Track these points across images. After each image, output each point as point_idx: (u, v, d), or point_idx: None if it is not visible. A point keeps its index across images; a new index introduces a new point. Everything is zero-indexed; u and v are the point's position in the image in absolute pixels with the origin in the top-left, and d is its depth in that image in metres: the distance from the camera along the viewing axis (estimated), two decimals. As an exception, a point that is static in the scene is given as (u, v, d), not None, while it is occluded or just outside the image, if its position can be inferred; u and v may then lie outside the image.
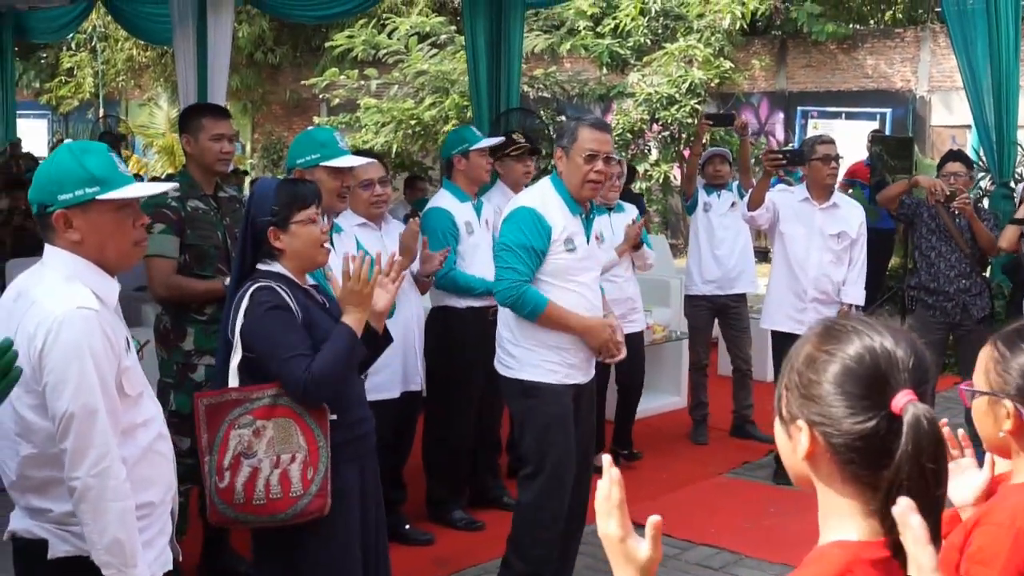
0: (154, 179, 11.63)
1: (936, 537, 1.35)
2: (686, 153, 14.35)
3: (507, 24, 7.66)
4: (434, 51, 15.63)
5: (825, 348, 1.44)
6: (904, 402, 1.35)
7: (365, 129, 15.69)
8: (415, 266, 4.75)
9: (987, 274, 6.29)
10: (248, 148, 21.32)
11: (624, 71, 16.05)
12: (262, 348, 3.01)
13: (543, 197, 4.01)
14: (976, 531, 1.85)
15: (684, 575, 4.71)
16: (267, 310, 2.99)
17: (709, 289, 6.56)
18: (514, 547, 4.13)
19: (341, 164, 3.98)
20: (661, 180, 15.04)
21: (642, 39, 15.82)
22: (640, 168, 14.45)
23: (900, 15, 17.22)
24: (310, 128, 4.91)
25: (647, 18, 15.78)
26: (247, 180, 13.76)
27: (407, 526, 4.94)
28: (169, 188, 2.92)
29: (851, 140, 11.98)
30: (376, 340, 3.24)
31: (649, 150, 15.34)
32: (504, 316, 4.11)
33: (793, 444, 1.46)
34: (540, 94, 15.86)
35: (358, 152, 4.80)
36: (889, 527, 1.35)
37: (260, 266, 3.12)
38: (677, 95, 14.71)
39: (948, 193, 5.72)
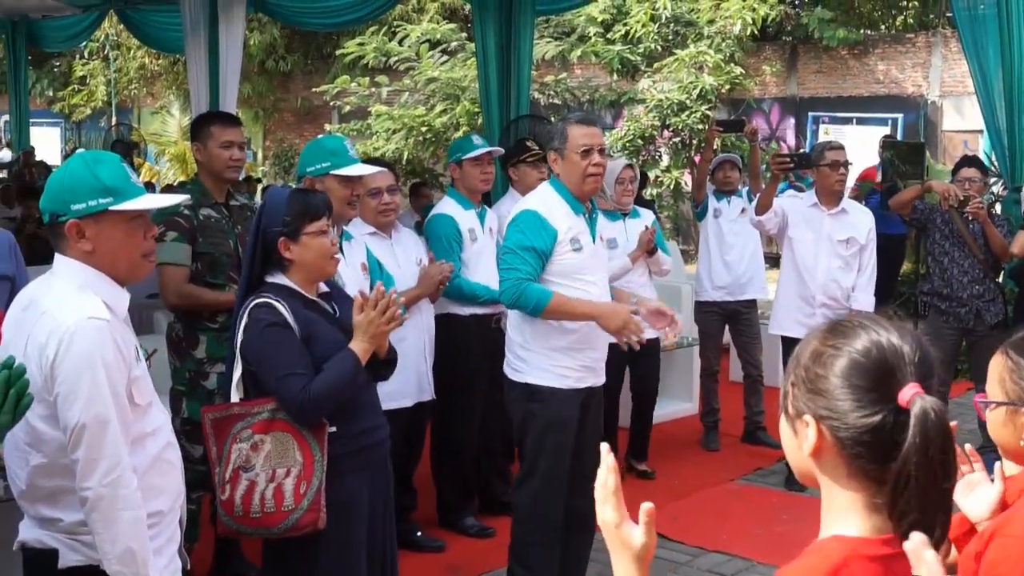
0: (167, 188, 11.67)
1: (944, 532, 1.37)
2: (697, 159, 14.35)
3: (517, 31, 7.67)
4: (445, 58, 15.65)
5: (832, 343, 1.45)
6: (911, 395, 1.36)
7: (376, 136, 15.72)
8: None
9: (1000, 280, 6.26)
10: (260, 155, 21.38)
11: (635, 77, 16.04)
12: (259, 365, 3.03)
13: (545, 200, 4.01)
14: (993, 542, 1.84)
15: (696, 582, 4.70)
16: (264, 328, 3.01)
17: (719, 295, 6.55)
18: (514, 554, 4.12)
19: (351, 172, 3.99)
20: (672, 186, 15.03)
21: (653, 45, 15.81)
22: (651, 174, 14.43)
23: (911, 20, 17.17)
24: (320, 136, 4.92)
25: (658, 24, 15.77)
26: (259, 188, 13.83)
27: (419, 533, 4.94)
28: (181, 200, 2.92)
29: (862, 145, 11.96)
30: (377, 364, 3.23)
31: (660, 156, 15.33)
32: (514, 320, 4.11)
33: (799, 440, 1.47)
34: (551, 101, 15.86)
35: (368, 160, 4.81)
36: (898, 519, 1.36)
37: (268, 278, 3.13)
38: (688, 101, 14.69)
39: (961, 198, 5.70)
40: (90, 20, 11.96)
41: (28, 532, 2.45)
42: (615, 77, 16.24)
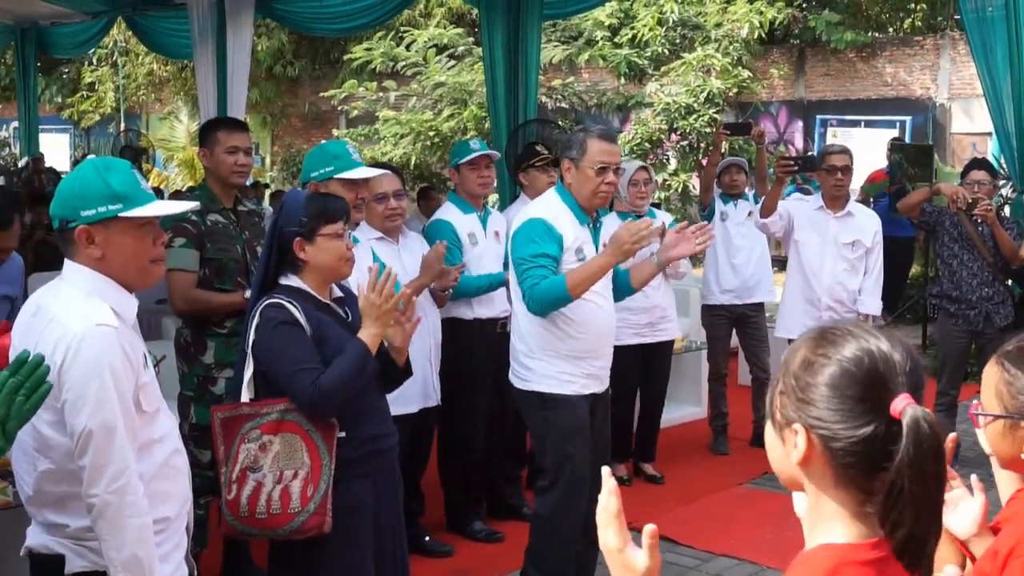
0: (175, 194, 11.70)
1: (936, 543, 1.36)
2: (704, 163, 14.34)
3: (524, 35, 7.66)
4: (452, 62, 15.68)
5: (821, 351, 1.42)
6: (903, 406, 1.34)
7: (384, 141, 15.75)
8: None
9: (1009, 282, 6.24)
10: (268, 161, 21.43)
11: (642, 81, 16.04)
12: (270, 363, 3.04)
13: (551, 208, 4.01)
14: (1012, 563, 1.80)
15: (704, 587, 4.69)
16: (275, 326, 3.02)
17: (727, 298, 6.54)
18: (532, 558, 4.13)
19: (354, 176, 4.00)
20: (680, 190, 15.02)
21: (660, 49, 15.81)
22: (659, 178, 14.43)
23: (919, 23, 17.13)
24: (323, 142, 4.93)
25: (665, 28, 15.77)
26: (267, 193, 13.85)
27: (427, 538, 4.94)
28: (191, 208, 2.94)
29: (871, 148, 11.94)
30: (395, 372, 3.27)
31: (668, 160, 15.32)
32: (518, 329, 4.11)
33: (787, 449, 1.45)
34: (558, 105, 15.87)
35: (375, 165, 4.82)
36: (890, 531, 1.35)
37: (281, 280, 3.14)
38: (695, 105, 14.69)
39: (970, 201, 5.69)
40: (99, 27, 11.99)
41: (35, 538, 2.46)
42: (622, 81, 16.25)
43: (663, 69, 15.62)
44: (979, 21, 7.31)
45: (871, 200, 10.71)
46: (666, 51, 15.83)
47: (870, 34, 16.19)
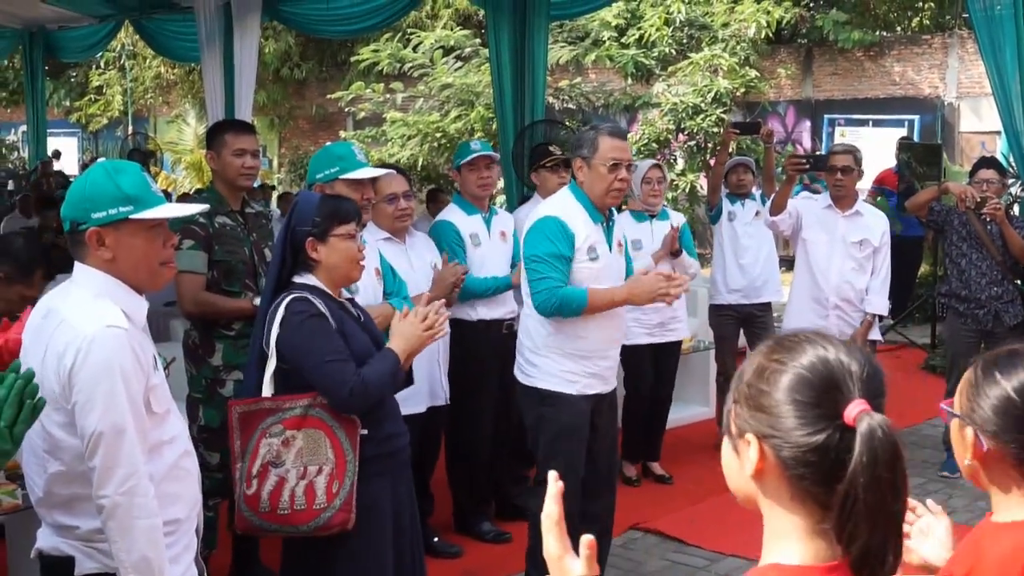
0: (183, 196, 11.73)
1: (897, 557, 1.31)
2: (712, 162, 14.32)
3: (531, 36, 7.66)
4: (459, 64, 15.69)
5: (776, 358, 1.38)
6: (857, 412, 1.29)
7: (391, 143, 15.77)
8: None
9: (1019, 282, 6.22)
10: (275, 163, 21.47)
11: (649, 81, 16.04)
12: (299, 357, 3.03)
13: (564, 206, 4.01)
14: None
15: (714, 588, 4.68)
16: (304, 320, 3.02)
17: (735, 298, 6.52)
18: (531, 558, 4.13)
19: (359, 176, 4.00)
20: (688, 190, 15.01)
21: (667, 49, 15.81)
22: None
23: (927, 21, 17.10)
24: (328, 143, 4.94)
25: (672, 28, 15.77)
26: (274, 195, 13.87)
27: (435, 539, 4.95)
28: (200, 210, 2.95)
29: (879, 148, 11.92)
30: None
31: (675, 160, 15.31)
32: (525, 325, 4.11)
33: (741, 461, 1.40)
34: (565, 105, 15.88)
35: (381, 166, 4.83)
36: (846, 544, 1.30)
37: (295, 278, 3.15)
38: (703, 105, 14.68)
39: (979, 200, 5.67)
40: (106, 30, 12.01)
41: (45, 540, 2.46)
42: (630, 81, 16.25)
43: (670, 69, 15.62)
44: (987, 19, 7.28)
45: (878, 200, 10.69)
46: (673, 51, 15.82)
47: (878, 33, 16.16)
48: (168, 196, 9.70)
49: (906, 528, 2.10)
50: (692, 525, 5.21)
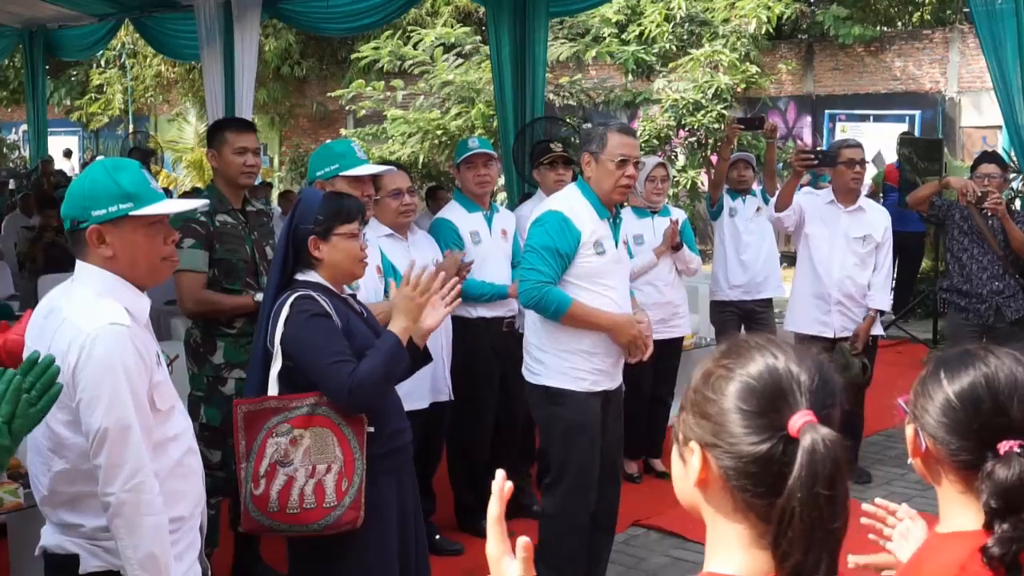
0: (184, 195, 11.74)
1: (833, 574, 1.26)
2: (714, 159, 14.30)
3: (531, 33, 7.67)
4: (459, 61, 15.67)
5: (724, 364, 1.34)
6: (801, 423, 1.25)
7: (392, 140, 15.76)
8: None
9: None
10: (276, 161, 21.46)
11: (650, 77, 16.02)
12: (304, 356, 3.01)
13: (570, 202, 4.01)
14: None
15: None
16: (308, 318, 3.01)
17: (736, 295, 6.52)
18: (542, 555, 4.12)
19: (359, 173, 4.00)
20: (688, 186, 14.99)
21: (667, 45, 15.79)
22: (667, 174, 14.40)
23: (928, 16, 17.09)
24: (328, 141, 4.94)
25: (672, 24, 15.75)
26: (276, 193, 13.87)
27: (437, 536, 4.95)
28: (200, 205, 2.95)
29: (880, 143, 11.91)
30: (416, 356, 3.27)
31: (676, 156, 15.30)
32: (532, 322, 4.11)
33: (686, 468, 1.37)
34: (566, 102, 15.86)
35: (382, 163, 4.83)
36: (780, 560, 1.25)
37: (298, 276, 3.14)
38: (703, 101, 14.66)
39: (980, 194, 5.66)
40: (106, 29, 12.01)
41: (50, 538, 2.47)
42: (630, 77, 16.23)
43: (671, 65, 15.60)
44: (988, 14, 7.27)
45: (880, 196, 10.68)
46: (674, 47, 15.80)
47: (878, 28, 16.15)
48: (169, 194, 9.70)
49: (886, 531, 2.09)
50: (693, 521, 5.18)
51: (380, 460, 3.07)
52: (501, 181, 8.99)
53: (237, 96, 8.90)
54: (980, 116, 14.78)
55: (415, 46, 16.01)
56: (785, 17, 15.55)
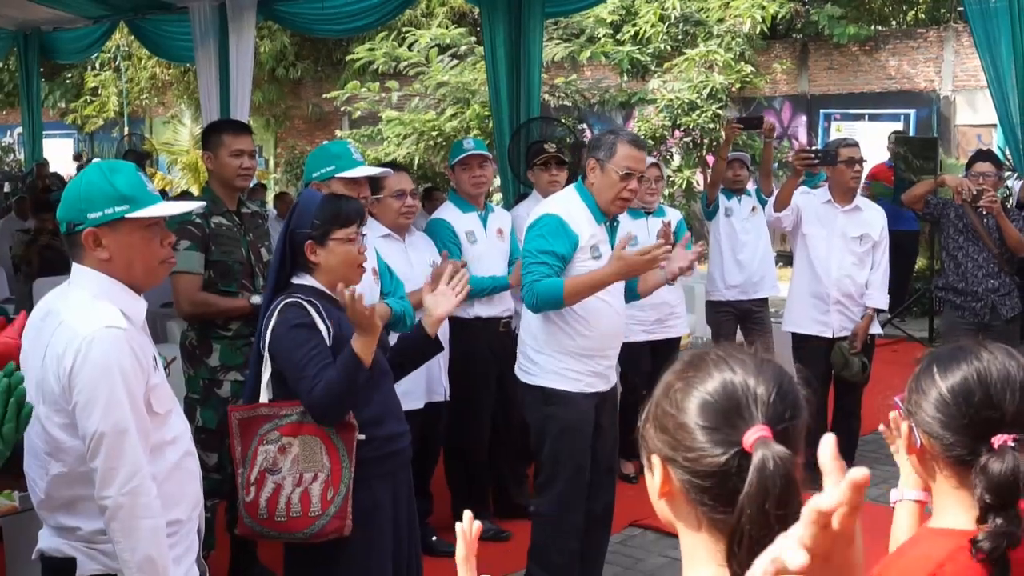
0: (180, 196, 11.72)
1: None
2: (709, 159, 14.31)
3: (526, 33, 7.67)
4: (454, 62, 15.67)
5: (684, 376, 1.33)
6: (754, 438, 1.23)
7: (387, 141, 15.75)
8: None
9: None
10: (271, 163, 21.45)
11: (645, 78, 16.02)
12: (283, 365, 3.03)
13: (568, 205, 4.00)
14: None
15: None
16: (290, 328, 3.00)
17: (732, 294, 6.53)
18: (535, 557, 4.13)
19: (355, 174, 4.00)
20: (684, 186, 15.00)
21: (662, 45, 15.79)
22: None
23: (922, 15, 17.10)
24: (325, 142, 4.94)
25: (667, 24, 15.75)
26: (272, 195, 13.86)
27: (434, 537, 4.95)
28: (197, 207, 2.94)
29: (875, 142, 11.90)
30: (427, 345, 3.27)
31: (671, 156, 15.30)
32: (527, 322, 4.11)
33: (652, 481, 1.36)
34: (561, 103, 15.86)
35: (384, 165, 4.83)
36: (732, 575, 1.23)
37: (295, 279, 3.13)
38: (698, 101, 14.66)
39: (975, 192, 5.67)
40: (101, 31, 11.99)
41: (47, 541, 2.46)
42: (625, 78, 16.22)
43: (666, 65, 15.60)
44: (983, 12, 7.29)
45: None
46: (668, 47, 15.80)
47: (873, 27, 16.17)
48: (164, 196, 9.69)
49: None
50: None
51: (376, 463, 3.07)
52: (497, 182, 8.99)
53: (232, 98, 8.89)
54: (975, 114, 14.80)
55: (410, 47, 16.00)
56: (780, 16, 15.56)
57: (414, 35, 16.13)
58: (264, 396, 3.07)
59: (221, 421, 3.92)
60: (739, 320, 6.62)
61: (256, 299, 4.09)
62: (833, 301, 5.74)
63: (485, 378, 5.10)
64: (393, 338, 3.66)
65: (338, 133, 18.12)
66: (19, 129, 18.13)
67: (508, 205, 6.86)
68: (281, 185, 19.58)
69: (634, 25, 15.89)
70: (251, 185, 7.69)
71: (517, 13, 7.68)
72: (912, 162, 9.94)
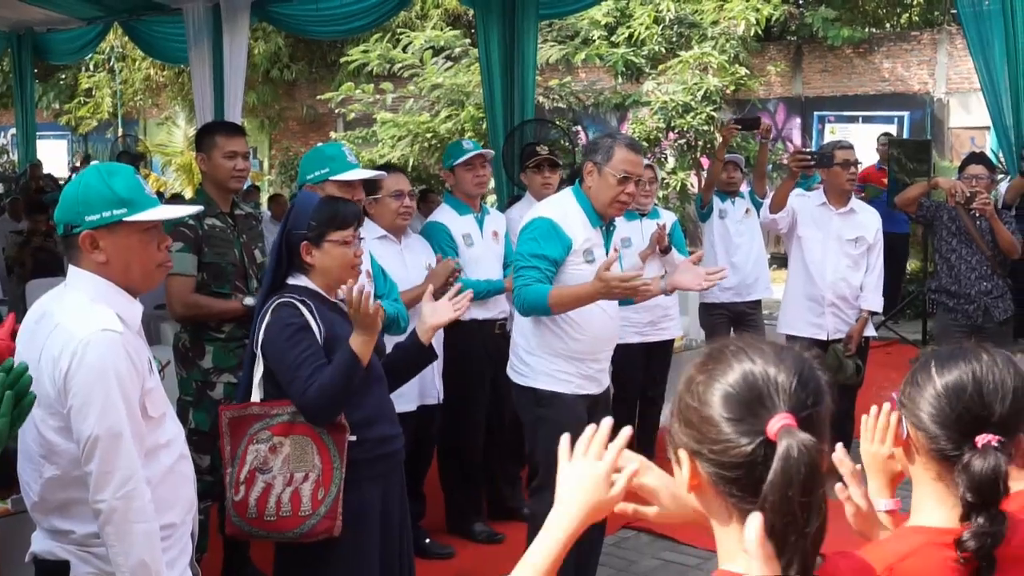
0: (173, 198, 11.71)
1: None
2: (703, 161, 14.32)
3: (521, 35, 7.67)
4: (449, 64, 15.68)
5: (705, 370, 1.36)
6: (779, 427, 1.25)
7: (381, 143, 15.75)
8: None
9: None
10: (266, 164, 21.43)
11: (639, 80, 16.04)
12: (275, 365, 3.03)
13: (563, 208, 3.99)
14: None
15: (708, 585, 4.68)
16: (282, 327, 3.00)
17: (727, 296, 6.53)
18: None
19: (349, 177, 3.99)
20: (678, 188, 15.02)
21: (657, 47, 15.81)
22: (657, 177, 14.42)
23: (916, 18, 17.15)
24: (319, 144, 4.94)
25: (661, 26, 15.77)
26: (265, 197, 13.85)
27: (427, 540, 4.94)
28: (195, 211, 2.94)
29: (869, 144, 11.93)
30: (421, 353, 3.28)
31: (666, 158, 15.32)
32: (519, 324, 4.10)
33: (680, 475, 1.38)
34: (555, 105, 15.87)
35: (379, 167, 4.82)
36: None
37: (290, 280, 3.13)
38: (693, 103, 14.68)
39: (968, 195, 5.68)
40: (95, 32, 11.98)
41: (40, 544, 2.46)
42: (619, 80, 16.24)
43: (660, 67, 15.62)
44: (976, 15, 7.31)
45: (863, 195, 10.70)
46: (663, 49, 15.82)
47: (867, 30, 16.20)
48: (160, 198, 9.68)
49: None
50: (684, 524, 5.21)
51: (366, 465, 3.07)
52: (491, 184, 8.99)
53: (226, 99, 8.89)
54: (968, 117, 14.84)
55: (404, 49, 16.01)
56: (774, 19, 15.59)
57: (408, 37, 16.13)
58: (256, 395, 3.07)
59: (214, 423, 3.90)
60: (733, 322, 6.62)
61: (249, 301, 4.08)
62: (828, 303, 5.75)
63: (480, 379, 5.10)
64: (387, 341, 3.66)
65: (333, 135, 18.10)
66: (13, 130, 18.10)
67: (502, 207, 6.86)
68: (275, 187, 19.57)
69: (628, 27, 15.91)
70: (245, 187, 7.69)
71: (511, 15, 7.68)
72: (906, 164, 9.96)
